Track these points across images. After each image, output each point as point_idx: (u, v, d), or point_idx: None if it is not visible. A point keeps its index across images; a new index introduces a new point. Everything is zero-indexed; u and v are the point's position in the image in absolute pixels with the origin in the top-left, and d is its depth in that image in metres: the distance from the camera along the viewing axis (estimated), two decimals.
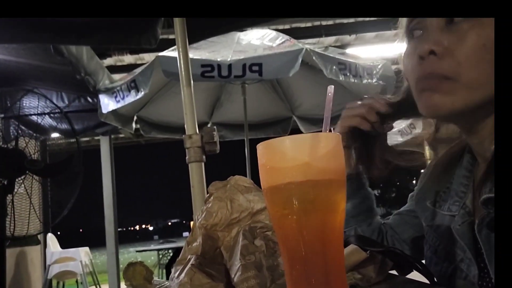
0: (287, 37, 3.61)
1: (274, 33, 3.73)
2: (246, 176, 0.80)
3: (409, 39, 0.77)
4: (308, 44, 3.49)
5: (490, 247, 0.70)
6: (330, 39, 5.11)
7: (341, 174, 0.49)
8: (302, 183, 0.47)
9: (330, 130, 0.57)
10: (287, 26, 4.71)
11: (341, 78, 3.31)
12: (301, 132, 4.77)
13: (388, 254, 0.76)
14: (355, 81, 3.42)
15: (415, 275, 0.75)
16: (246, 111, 4.16)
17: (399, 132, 3.29)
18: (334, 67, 3.28)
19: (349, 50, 4.58)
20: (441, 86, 0.69)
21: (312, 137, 0.49)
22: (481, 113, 0.71)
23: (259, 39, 3.61)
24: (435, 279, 0.80)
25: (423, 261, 0.84)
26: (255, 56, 3.15)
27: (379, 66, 3.57)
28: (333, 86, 0.61)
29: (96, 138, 6.60)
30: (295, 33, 4.26)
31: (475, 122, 0.73)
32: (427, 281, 0.72)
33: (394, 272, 0.76)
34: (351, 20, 4.58)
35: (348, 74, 3.36)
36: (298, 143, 0.48)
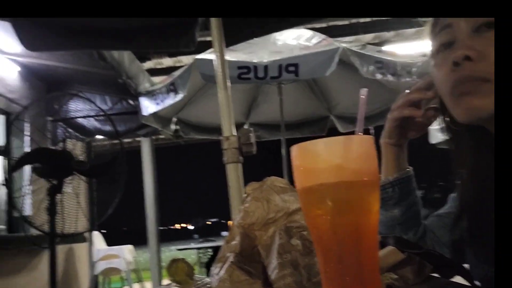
0: (323, 36, 3.59)
1: (310, 32, 3.71)
2: (283, 176, 0.82)
3: (437, 50, 0.78)
4: (345, 42, 3.46)
5: None
6: (368, 37, 5.02)
7: (374, 175, 0.50)
8: (335, 184, 0.48)
9: (368, 132, 0.58)
10: (323, 25, 4.67)
11: (378, 77, 3.27)
12: (338, 132, 4.73)
13: (426, 256, 0.76)
14: (394, 79, 3.36)
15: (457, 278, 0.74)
16: (282, 111, 4.16)
17: (440, 129, 3.20)
18: (371, 66, 3.23)
19: (388, 47, 4.49)
20: (480, 88, 0.69)
21: (344, 139, 0.50)
22: None
23: (295, 39, 3.60)
24: (477, 282, 0.79)
25: (465, 264, 0.83)
26: (291, 57, 3.15)
27: (419, 63, 3.49)
28: (366, 89, 0.62)
29: (138, 139, 6.78)
30: (332, 32, 4.22)
31: None
32: (468, 284, 0.71)
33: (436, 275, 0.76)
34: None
35: (385, 72, 3.30)
36: (331, 145, 0.50)
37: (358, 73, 3.20)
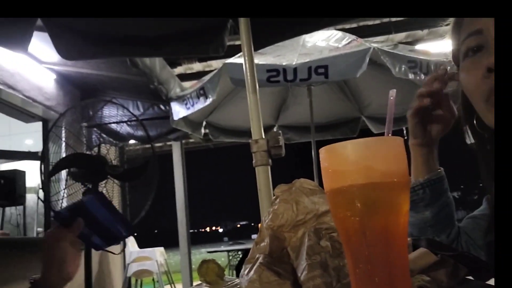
0: (353, 36, 3.55)
1: (340, 33, 3.68)
2: (313, 178, 0.83)
3: (464, 55, 0.76)
4: (376, 42, 3.41)
5: None
6: (400, 36, 4.93)
7: (403, 177, 0.50)
8: (364, 185, 0.48)
9: (401, 132, 0.58)
10: (354, 25, 4.62)
11: (410, 77, 3.21)
12: (370, 133, 4.67)
13: (461, 258, 0.74)
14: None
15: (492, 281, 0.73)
16: (312, 113, 4.14)
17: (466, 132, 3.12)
18: (403, 66, 3.18)
19: (421, 46, 4.39)
20: None
21: (373, 141, 0.50)
22: None
23: (325, 41, 3.57)
24: None
25: None
26: (321, 58, 3.13)
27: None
28: (395, 90, 0.62)
29: (168, 143, 6.90)
30: (362, 32, 4.17)
31: None
32: None
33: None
34: None
35: (418, 72, 3.24)
36: (359, 146, 0.50)
37: (390, 73, 3.15)
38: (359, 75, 3.09)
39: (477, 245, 0.95)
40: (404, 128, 4.45)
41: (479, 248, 0.95)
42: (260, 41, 2.28)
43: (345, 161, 0.50)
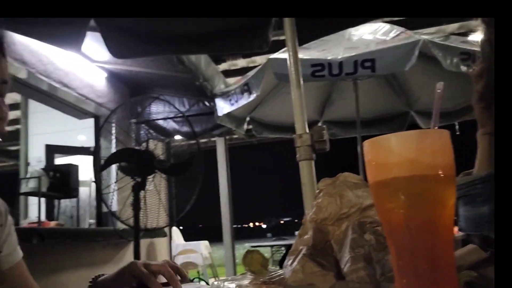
0: (402, 29, 3.44)
1: (387, 26, 3.57)
2: (359, 174, 0.82)
3: None
4: (426, 34, 3.29)
5: None
6: (453, 26, 4.69)
7: (449, 169, 0.49)
8: (408, 178, 0.48)
9: (453, 127, 0.58)
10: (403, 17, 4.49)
11: (462, 69, 3.08)
12: (419, 128, 4.53)
13: None
14: None
15: None
16: (358, 108, 4.06)
17: None
18: (455, 58, 3.05)
19: (475, 37, 4.21)
20: None
21: (418, 133, 0.50)
22: None
23: (372, 34, 3.48)
24: None
25: None
26: (367, 52, 3.05)
27: None
28: (442, 83, 0.61)
29: (213, 139, 7.01)
30: (412, 23, 4.02)
31: None
32: None
33: None
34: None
35: (471, 64, 3.10)
36: (404, 139, 0.50)
37: (441, 66, 3.04)
38: (408, 69, 3.00)
39: None
40: (456, 123, 4.29)
41: None
42: (305, 36, 2.27)
43: (389, 153, 0.50)
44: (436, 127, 0.58)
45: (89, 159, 3.38)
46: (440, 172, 0.49)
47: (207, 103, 4.79)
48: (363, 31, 3.56)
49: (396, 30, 3.43)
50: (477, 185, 0.88)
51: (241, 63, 5.29)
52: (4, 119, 0.82)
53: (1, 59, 0.83)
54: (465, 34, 4.47)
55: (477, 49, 3.14)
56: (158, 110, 3.40)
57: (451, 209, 0.50)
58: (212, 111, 4.16)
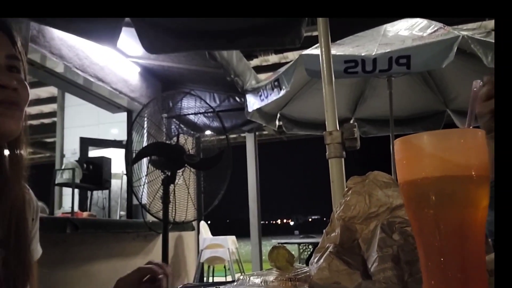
0: (440, 24, 3.31)
1: (425, 21, 3.45)
2: (390, 173, 0.81)
3: None
4: (466, 30, 3.18)
5: None
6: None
7: (483, 170, 0.48)
8: (439, 178, 0.47)
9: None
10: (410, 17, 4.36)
11: None
12: (456, 127, 4.40)
13: None
14: None
15: None
16: (391, 106, 3.96)
17: None
18: None
19: None
20: None
21: (450, 133, 0.49)
22: None
23: (408, 29, 3.37)
24: None
25: None
26: (403, 48, 2.97)
27: None
28: (479, 81, 0.60)
29: (242, 135, 7.04)
30: (452, 19, 3.91)
31: None
32: None
33: None
34: None
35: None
36: (436, 138, 0.49)
37: (481, 62, 2.92)
38: (446, 66, 2.90)
39: None
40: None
41: None
42: (339, 32, 2.25)
43: (420, 152, 0.50)
44: (471, 127, 0.56)
45: (121, 152, 3.45)
46: (473, 173, 0.47)
47: (237, 99, 4.81)
48: (399, 26, 3.46)
49: (434, 26, 3.31)
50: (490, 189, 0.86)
51: (272, 59, 5.28)
52: (9, 87, 0.80)
53: (3, 36, 0.85)
54: None
55: None
56: (189, 105, 3.43)
57: (483, 210, 0.49)
58: (243, 106, 4.17)
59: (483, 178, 0.48)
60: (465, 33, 2.97)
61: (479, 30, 3.49)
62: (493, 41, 2.99)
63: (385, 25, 3.43)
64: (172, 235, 5.14)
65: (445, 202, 0.47)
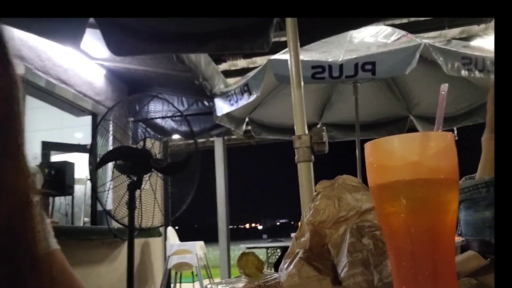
0: (403, 32, 3.42)
1: (389, 29, 3.56)
2: (356, 177, 0.81)
3: None
4: (428, 38, 3.28)
5: None
6: (454, 31, 4.68)
7: (452, 174, 0.48)
8: (411, 181, 0.47)
9: (451, 132, 0.56)
10: (404, 20, 4.46)
11: (464, 74, 3.06)
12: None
13: None
14: (482, 76, 3.12)
15: None
16: (357, 111, 4.05)
17: None
18: (457, 63, 3.03)
19: (477, 42, 4.20)
20: None
21: (421, 136, 0.49)
22: None
23: (373, 36, 3.46)
24: None
25: None
26: (368, 55, 3.04)
27: None
28: (447, 85, 0.60)
29: (211, 139, 6.99)
30: (413, 27, 4.02)
31: None
32: None
33: None
34: None
35: (473, 69, 3.08)
36: (407, 142, 0.49)
37: (442, 70, 3.03)
38: (408, 72, 2.98)
39: None
40: (455, 129, 4.28)
41: None
42: (306, 37, 2.26)
43: (391, 156, 0.49)
44: (440, 130, 0.56)
45: (86, 156, 3.35)
46: (443, 176, 0.47)
47: (206, 103, 4.78)
48: (364, 33, 3.54)
49: (397, 33, 3.42)
50: (481, 189, 0.87)
51: (241, 63, 5.28)
52: None
53: None
54: (467, 39, 4.47)
55: (479, 54, 3.13)
56: (157, 109, 3.38)
57: (453, 214, 0.48)
58: (211, 111, 4.15)
59: (453, 182, 0.48)
60: (426, 41, 3.07)
61: (439, 39, 3.62)
62: (453, 49, 3.10)
63: (351, 32, 3.50)
64: (138, 242, 5.03)
65: (416, 206, 0.47)
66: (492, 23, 4.39)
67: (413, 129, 4.68)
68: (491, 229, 0.89)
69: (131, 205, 2.76)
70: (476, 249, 0.73)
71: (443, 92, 0.60)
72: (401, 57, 2.98)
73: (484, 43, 4.23)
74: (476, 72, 3.08)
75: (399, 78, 4.26)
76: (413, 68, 2.91)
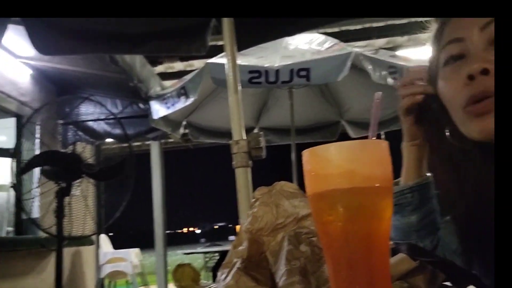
0: (335, 40, 3.56)
1: (322, 37, 3.69)
2: (292, 181, 0.81)
3: (445, 62, 0.75)
4: (357, 47, 3.44)
5: None
6: (381, 41, 4.97)
7: (387, 181, 0.49)
8: (347, 190, 0.47)
9: (378, 137, 0.57)
10: (336, 29, 4.64)
11: (389, 82, 3.24)
12: (349, 137, 4.70)
13: (438, 264, 0.74)
14: None
15: None
16: (293, 116, 4.15)
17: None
18: (384, 71, 3.20)
19: (401, 52, 4.45)
20: None
21: (358, 144, 0.49)
22: None
23: (307, 44, 3.57)
24: None
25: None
26: (303, 61, 3.13)
27: None
28: (380, 93, 0.61)
29: (147, 143, 6.81)
30: (344, 36, 4.19)
31: None
32: None
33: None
34: (403, 20, 4.45)
35: (398, 77, 3.27)
36: (344, 150, 0.49)
37: (370, 78, 3.18)
38: (340, 79, 3.10)
39: (451, 250, 0.95)
40: (382, 133, 4.50)
41: (454, 254, 0.95)
42: (243, 42, 2.27)
43: (328, 164, 0.49)
44: (374, 137, 0.57)
45: (9, 161, 3.13)
46: (379, 185, 0.48)
47: (141, 106, 4.63)
48: (299, 40, 3.65)
49: (330, 41, 3.55)
50: (406, 195, 0.90)
51: (178, 66, 5.19)
52: None
53: None
54: (392, 49, 4.73)
55: (404, 63, 3.27)
56: (88, 111, 3.24)
57: (387, 221, 0.49)
58: (147, 114, 4.04)
59: (388, 190, 0.49)
60: (357, 49, 3.20)
61: (368, 48, 3.79)
62: (381, 58, 3.27)
63: (286, 39, 3.59)
64: (68, 251, 4.77)
65: (353, 214, 0.47)
66: (414, 36, 4.69)
67: (345, 134, 4.89)
68: (417, 232, 0.92)
69: (59, 213, 2.62)
70: (405, 252, 0.76)
71: (377, 100, 0.61)
72: (334, 64, 3.09)
73: (409, 53, 4.51)
74: None
75: (332, 84, 4.42)
76: (345, 75, 3.03)
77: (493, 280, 0.75)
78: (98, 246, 5.72)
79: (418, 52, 4.77)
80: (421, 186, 0.90)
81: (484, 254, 0.82)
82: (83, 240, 4.09)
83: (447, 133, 0.80)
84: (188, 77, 3.51)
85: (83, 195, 2.91)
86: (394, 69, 3.25)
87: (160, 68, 5.08)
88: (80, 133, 3.11)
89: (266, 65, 3.07)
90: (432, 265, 0.73)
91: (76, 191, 2.80)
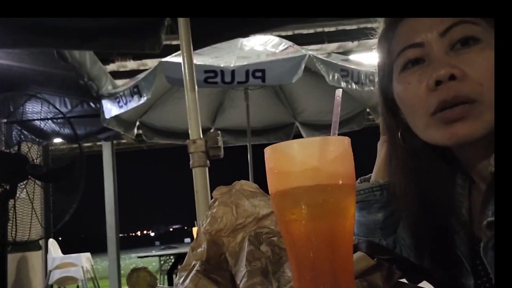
0: (290, 43, 3.61)
1: (277, 39, 3.73)
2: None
3: (403, 67, 0.75)
4: (311, 50, 3.49)
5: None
6: (333, 46, 5.10)
7: (350, 179, 0.48)
8: (311, 187, 0.46)
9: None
10: (289, 33, 4.72)
11: (343, 85, 3.31)
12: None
13: (394, 261, 0.75)
14: (357, 88, 3.41)
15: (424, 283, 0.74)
16: (249, 117, 4.16)
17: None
18: (337, 74, 3.27)
19: (351, 57, 4.58)
20: (471, 112, 0.66)
21: (321, 141, 0.48)
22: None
23: (262, 45, 3.61)
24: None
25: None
26: (258, 62, 3.15)
27: None
28: (341, 90, 0.60)
29: (98, 143, 6.61)
30: (297, 39, 4.25)
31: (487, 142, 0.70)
32: None
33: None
34: (354, 26, 4.59)
35: (350, 81, 3.35)
36: (306, 147, 0.48)
37: (324, 80, 3.24)
38: (295, 82, 3.14)
39: (407, 245, 0.97)
40: (336, 134, 4.61)
41: (409, 248, 0.97)
42: (198, 41, 2.24)
43: (291, 161, 0.48)
44: (335, 135, 0.57)
45: None
46: (342, 182, 0.47)
47: (92, 104, 4.48)
48: (254, 42, 3.67)
49: (284, 43, 3.59)
50: (375, 192, 0.90)
51: (130, 65, 5.07)
52: None
53: None
54: (343, 53, 4.86)
55: (355, 67, 3.36)
56: (34, 110, 3.07)
57: (351, 219, 0.49)
58: (98, 113, 3.90)
59: (351, 187, 0.48)
60: (311, 52, 3.26)
61: (321, 51, 3.88)
62: (333, 61, 3.34)
63: (241, 40, 3.60)
64: (12, 257, 4.52)
65: (316, 212, 0.46)
66: (363, 41, 4.84)
67: (299, 135, 4.97)
68: (382, 230, 0.93)
69: (3, 217, 2.48)
70: (364, 250, 0.76)
71: (338, 98, 0.60)
72: (289, 66, 3.13)
73: (360, 58, 4.65)
74: (353, 84, 3.35)
75: (286, 86, 4.49)
76: (299, 77, 3.07)
77: (448, 277, 0.77)
78: (46, 251, 5.48)
79: (366, 57, 4.94)
80: (386, 186, 0.90)
81: (434, 250, 0.84)
82: (30, 245, 3.90)
83: (399, 136, 0.81)
84: (141, 75, 3.44)
85: (29, 198, 2.77)
86: (346, 73, 3.33)
87: (112, 67, 4.93)
88: (25, 132, 2.95)
89: (222, 65, 3.06)
90: (388, 262, 0.74)
91: (21, 193, 2.66)
